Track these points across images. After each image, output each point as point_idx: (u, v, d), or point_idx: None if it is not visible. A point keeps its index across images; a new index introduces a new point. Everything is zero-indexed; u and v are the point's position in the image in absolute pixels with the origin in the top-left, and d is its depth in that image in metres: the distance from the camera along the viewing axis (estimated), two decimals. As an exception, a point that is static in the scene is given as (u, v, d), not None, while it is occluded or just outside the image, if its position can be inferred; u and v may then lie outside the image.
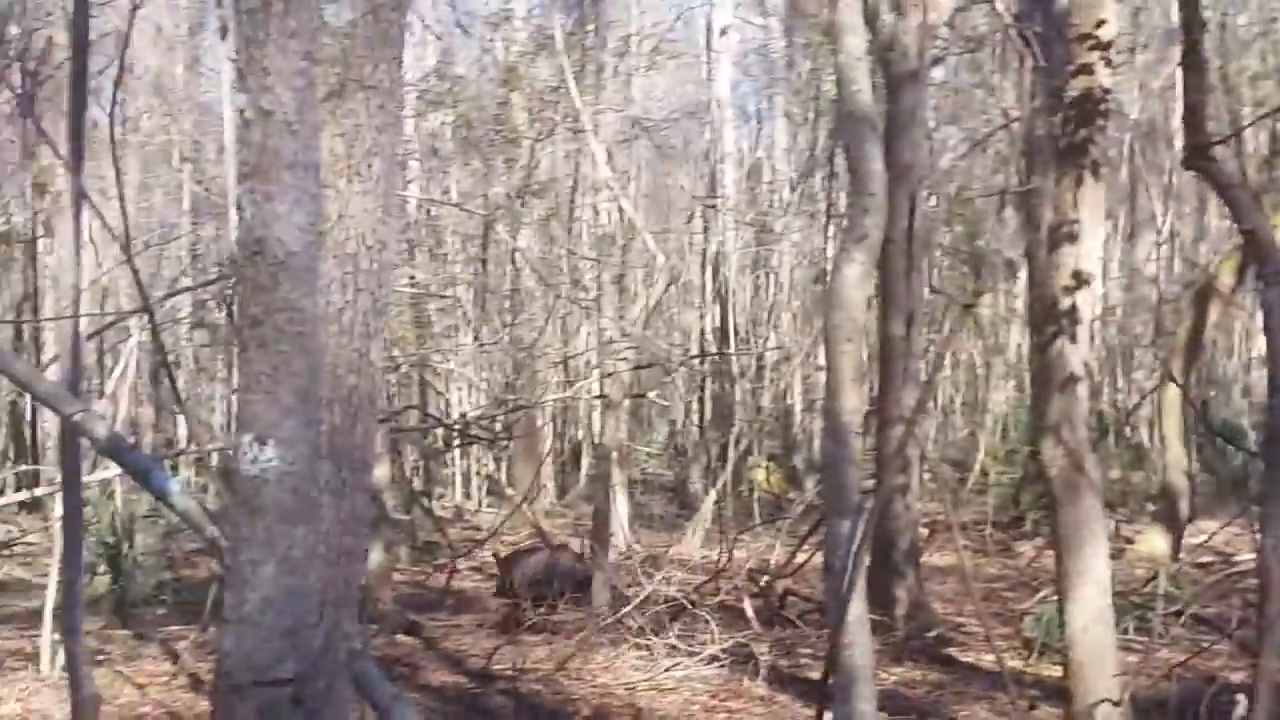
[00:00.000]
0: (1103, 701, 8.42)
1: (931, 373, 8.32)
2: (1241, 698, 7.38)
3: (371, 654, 8.98)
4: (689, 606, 12.63)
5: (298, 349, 3.01)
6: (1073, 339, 8.48)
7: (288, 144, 3.05)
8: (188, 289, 19.39)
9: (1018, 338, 27.94)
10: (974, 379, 31.12)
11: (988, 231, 24.63)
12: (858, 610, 6.66)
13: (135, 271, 4.51)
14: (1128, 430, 26.28)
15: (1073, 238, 8.37)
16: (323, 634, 3.28)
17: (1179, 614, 12.05)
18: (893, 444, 11.56)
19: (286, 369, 2.99)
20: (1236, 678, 10.41)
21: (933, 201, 22.48)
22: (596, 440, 22.95)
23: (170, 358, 24.47)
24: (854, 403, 6.91)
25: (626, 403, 20.18)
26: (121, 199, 4.17)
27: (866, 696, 6.61)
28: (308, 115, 3.07)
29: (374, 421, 3.77)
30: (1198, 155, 7.10)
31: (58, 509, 21.44)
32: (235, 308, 3.17)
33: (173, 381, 3.97)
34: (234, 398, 21.22)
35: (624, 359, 14.84)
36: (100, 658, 12.43)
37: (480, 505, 23.58)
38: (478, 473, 24.65)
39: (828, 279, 19.43)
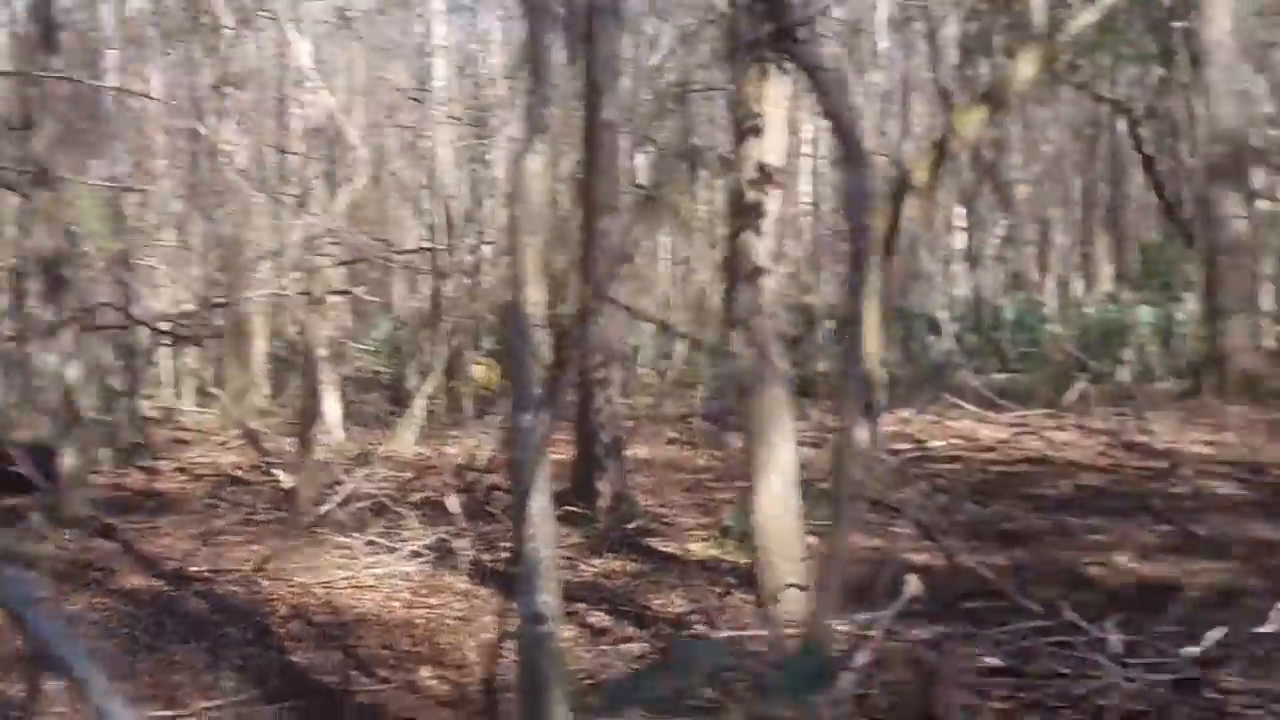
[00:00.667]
0: (789, 586, 8.66)
1: (611, 263, 8.40)
2: (912, 576, 7.65)
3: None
4: (390, 504, 12.58)
5: None
6: (758, 232, 8.61)
7: None
8: None
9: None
10: (689, 274, 31.54)
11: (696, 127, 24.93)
12: (541, 502, 6.66)
13: None
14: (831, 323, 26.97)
15: (758, 131, 8.47)
16: None
17: (873, 501, 12.48)
18: (591, 338, 11.65)
19: None
20: (920, 560, 10.84)
21: (646, 96, 22.65)
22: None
23: None
24: (536, 295, 6.88)
25: (338, 299, 19.94)
26: None
27: (550, 588, 6.61)
28: None
29: None
30: (782, 36, 7.19)
31: None
32: None
33: None
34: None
35: (327, 255, 14.57)
36: None
37: (191, 406, 23.07)
38: (187, 372, 24.10)
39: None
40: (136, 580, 11.00)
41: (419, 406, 19.07)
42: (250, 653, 8.98)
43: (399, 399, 23.82)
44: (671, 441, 17.91)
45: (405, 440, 18.25)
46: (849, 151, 6.41)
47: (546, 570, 6.70)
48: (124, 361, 20.19)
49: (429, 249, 23.66)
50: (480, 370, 24.50)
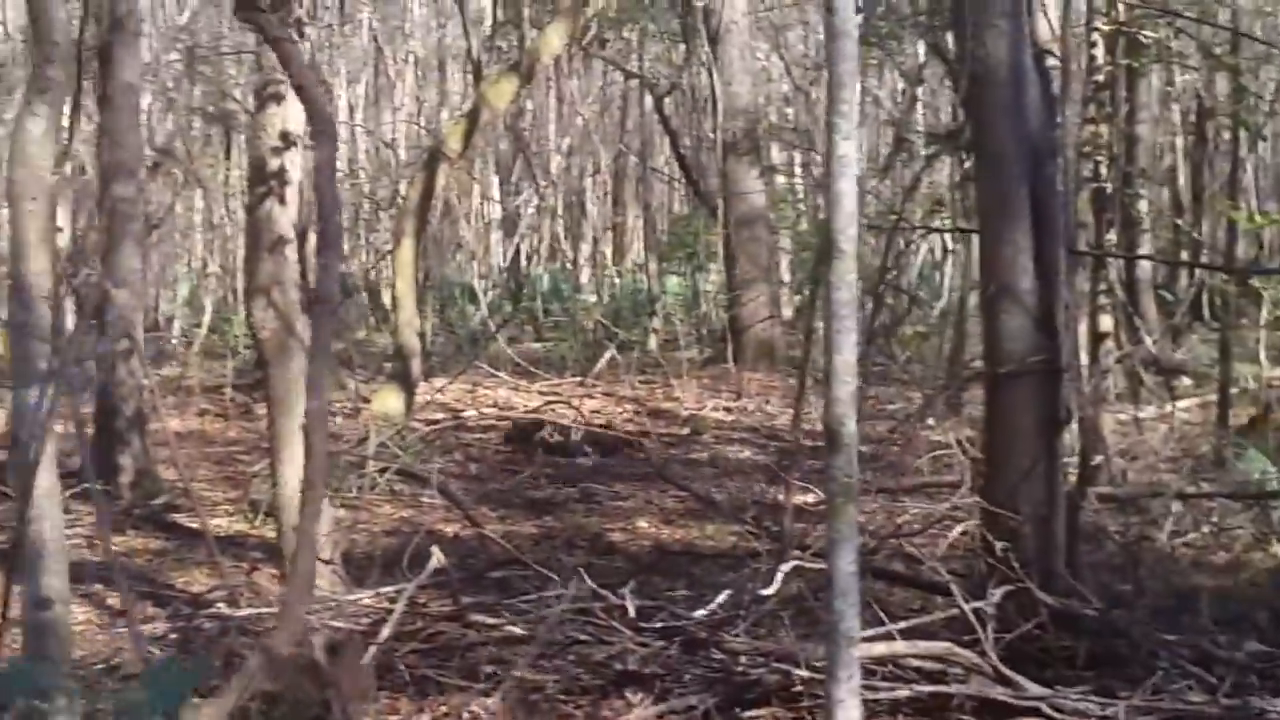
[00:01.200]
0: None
1: (125, 229, 8.11)
2: (435, 548, 7.69)
3: None
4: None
5: None
6: (282, 201, 8.47)
7: None
8: None
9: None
10: (225, 242, 30.76)
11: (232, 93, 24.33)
12: (47, 482, 6.37)
13: None
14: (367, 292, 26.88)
15: (278, 98, 8.33)
16: None
17: (403, 472, 12.48)
18: (114, 311, 11.23)
19: None
20: (450, 530, 10.92)
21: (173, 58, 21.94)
22: None
23: None
24: (40, 265, 6.56)
25: None
26: None
27: (56, 571, 6.35)
28: None
29: None
30: (247, 5, 7.17)
31: None
32: None
33: None
34: None
35: None
36: None
37: None
38: None
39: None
40: None
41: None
42: None
43: None
44: (203, 413, 17.43)
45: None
46: (317, 125, 6.38)
47: (53, 552, 6.43)
48: None
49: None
50: (-2, 341, 23.21)
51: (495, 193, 31.58)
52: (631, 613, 6.95)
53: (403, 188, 22.96)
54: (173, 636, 8.06)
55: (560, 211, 31.10)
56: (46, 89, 6.65)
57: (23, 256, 6.60)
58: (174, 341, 24.44)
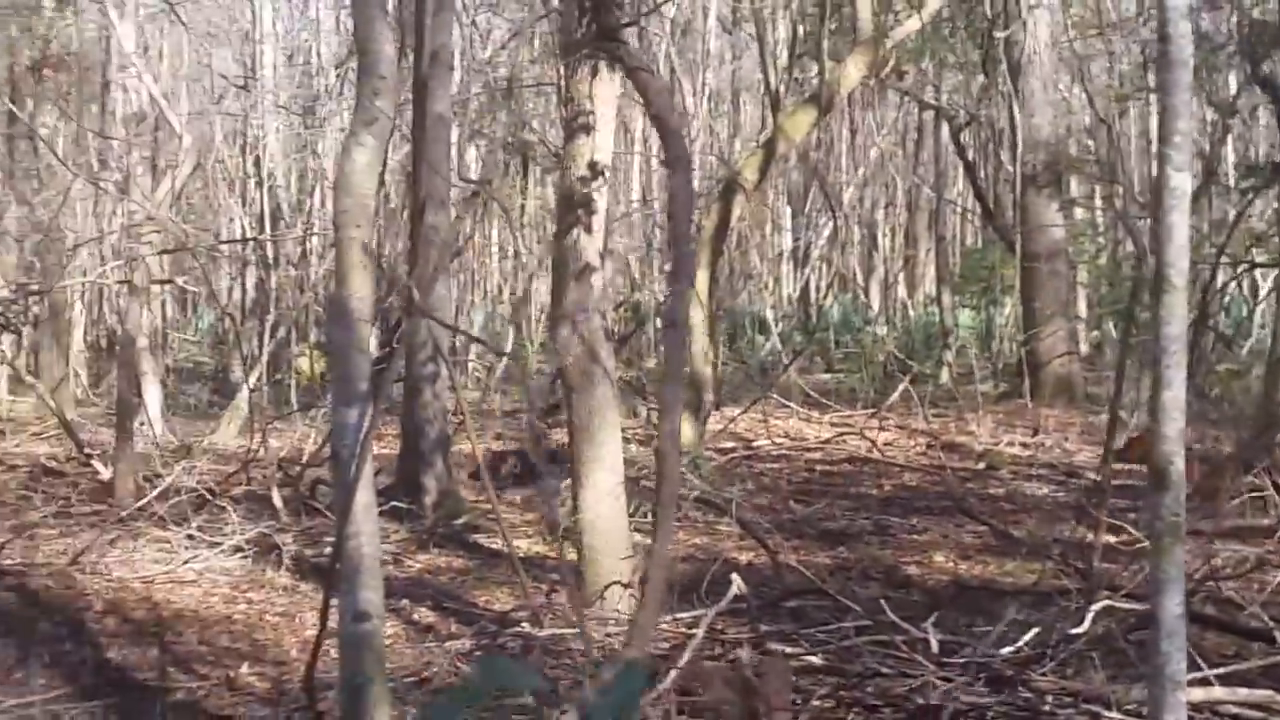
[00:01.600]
0: (613, 583, 8.69)
1: (440, 258, 8.35)
2: (735, 576, 7.71)
3: None
4: (210, 497, 12.38)
5: None
6: (588, 230, 8.62)
7: None
8: None
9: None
10: (521, 269, 31.48)
11: (531, 123, 24.89)
12: (365, 498, 6.60)
13: None
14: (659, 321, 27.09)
15: (588, 129, 8.48)
16: None
17: (700, 500, 12.58)
18: (424, 331, 11.58)
19: None
20: (744, 558, 10.95)
21: (478, 90, 22.57)
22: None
23: None
24: (362, 289, 6.80)
25: (157, 288, 19.55)
26: None
27: (373, 585, 6.56)
28: None
29: None
30: (605, 36, 7.25)
31: None
32: None
33: None
34: None
35: (149, 243, 14.28)
36: None
37: (4, 394, 22.42)
38: (3, 361, 23.44)
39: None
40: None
41: (243, 398, 18.78)
42: (63, 649, 8.78)
43: (223, 390, 23.46)
44: (498, 437, 17.85)
45: (229, 432, 17.98)
46: (673, 154, 6.46)
47: (369, 567, 6.64)
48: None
49: (255, 239, 23.30)
50: (304, 363, 24.23)
51: (787, 223, 31.66)
52: (934, 647, 6.87)
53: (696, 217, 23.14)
54: (477, 653, 8.24)
55: (852, 243, 30.99)
56: (373, 120, 6.92)
57: (346, 280, 6.87)
58: (471, 367, 25.11)
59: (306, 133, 27.10)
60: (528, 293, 27.95)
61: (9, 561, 10.98)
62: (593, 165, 8.51)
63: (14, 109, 18.40)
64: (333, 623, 6.74)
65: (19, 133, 21.55)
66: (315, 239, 25.39)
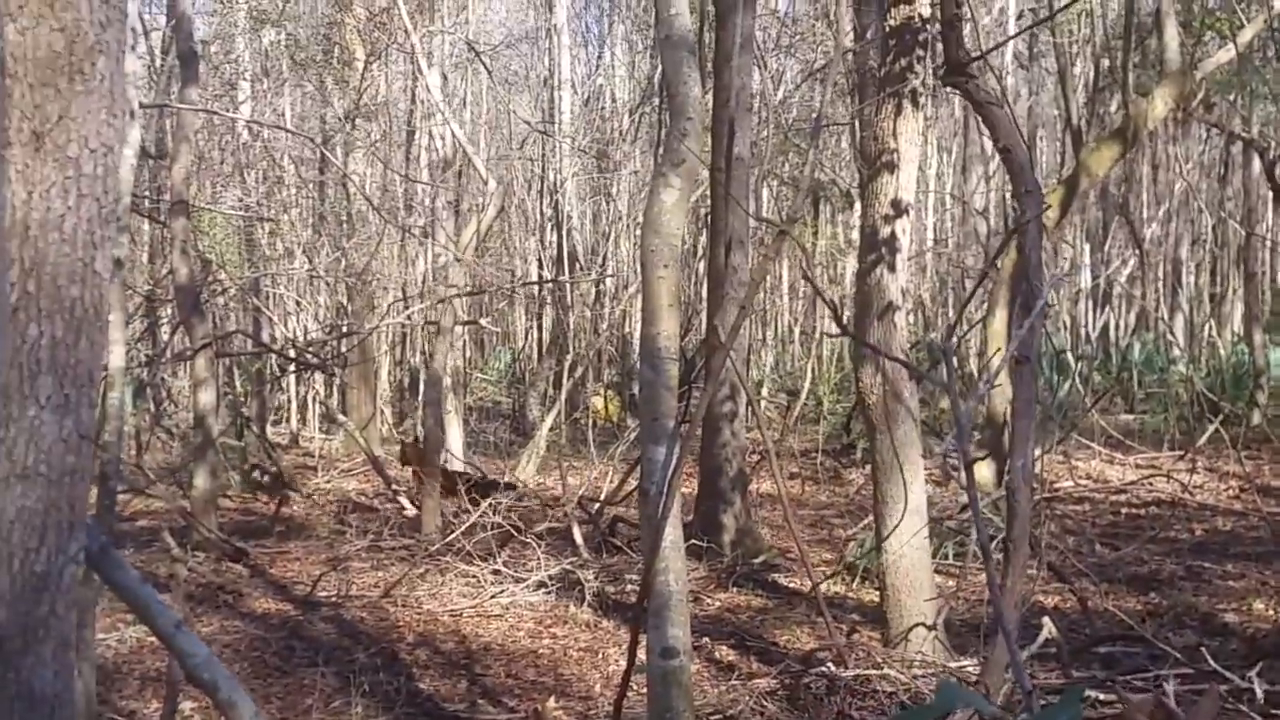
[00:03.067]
0: (917, 625, 8.57)
1: (747, 298, 8.30)
2: (1047, 620, 7.53)
3: (155, 581, 8.86)
4: (516, 534, 12.64)
5: None
6: (891, 268, 8.56)
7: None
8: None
9: (854, 267, 28.28)
10: (811, 308, 31.46)
11: (823, 162, 24.84)
12: (672, 535, 6.65)
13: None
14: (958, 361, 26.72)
15: (891, 167, 8.44)
16: (44, 558, 3.16)
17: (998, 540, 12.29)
18: (720, 370, 11.62)
19: None
20: (1050, 601, 10.68)
21: (769, 131, 22.64)
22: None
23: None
24: (670, 328, 6.87)
25: (460, 329, 20.08)
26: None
27: (680, 621, 6.60)
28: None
29: (100, 335, 3.62)
30: (955, 72, 7.16)
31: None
32: None
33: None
34: None
35: (454, 285, 14.70)
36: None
37: (316, 432, 23.32)
38: (313, 399, 24.37)
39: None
40: (266, 604, 11.14)
41: (541, 436, 19.17)
42: (378, 679, 9.04)
43: (520, 429, 23.98)
44: (793, 476, 17.81)
45: (527, 470, 18.36)
46: (1023, 187, 6.37)
47: (677, 604, 6.69)
48: (253, 388, 20.50)
49: (554, 281, 23.75)
50: (599, 401, 24.59)
51: (1086, 260, 30.93)
52: (1259, 697, 6.59)
53: (990, 255, 22.77)
54: (781, 692, 8.21)
55: (1155, 280, 30.10)
56: (681, 161, 7.00)
57: (654, 320, 6.95)
58: (764, 405, 25.13)
59: (601, 176, 27.58)
60: (818, 331, 27.89)
61: (325, 593, 11.40)
62: (895, 203, 8.45)
63: (329, 155, 19.16)
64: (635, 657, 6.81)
65: (332, 179, 22.46)
66: (609, 281, 25.83)
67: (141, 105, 15.91)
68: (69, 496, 3.49)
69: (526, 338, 29.86)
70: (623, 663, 9.39)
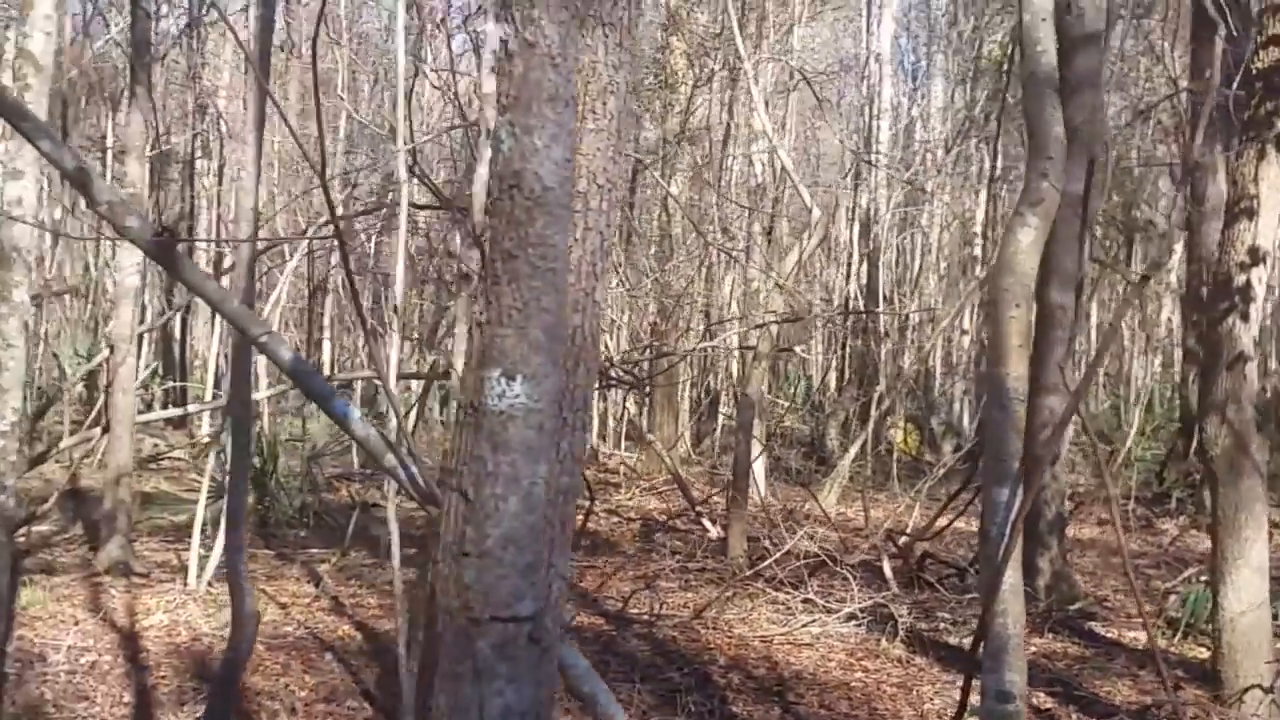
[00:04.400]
0: (1253, 687, 8.30)
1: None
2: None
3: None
4: (830, 564, 12.61)
5: (549, 285, 3.00)
6: (1244, 317, 8.31)
7: (549, 77, 3.04)
8: (356, 214, 19.57)
9: (1168, 312, 27.44)
10: (1120, 351, 30.60)
11: (1142, 202, 24.21)
12: (1012, 578, 6.57)
13: (328, 192, 4.53)
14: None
15: (1250, 214, 8.19)
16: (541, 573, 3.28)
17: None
18: (1045, 413, 11.40)
19: (536, 305, 2.98)
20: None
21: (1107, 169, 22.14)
22: (735, 391, 22.95)
23: (315, 285, 24.82)
24: (1019, 369, 6.80)
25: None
26: (320, 120, 4.17)
27: (1017, 666, 6.52)
28: (569, 49, 3.06)
29: (596, 361, 3.75)
30: None
31: (204, 426, 21.99)
32: (486, 241, 3.10)
33: (358, 304, 3.99)
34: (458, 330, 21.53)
35: (772, 312, 14.76)
36: (244, 575, 12.66)
37: (616, 448, 23.62)
38: (614, 415, 24.70)
39: (978, 243, 19.20)
40: (580, 618, 11.33)
41: (845, 466, 19.09)
42: (693, 700, 9.13)
43: (820, 457, 23.90)
44: (1103, 523, 17.37)
45: (829, 499, 18.30)
46: None
47: (1014, 648, 6.61)
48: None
49: (873, 312, 23.62)
50: (899, 434, 24.37)
51: None
52: None
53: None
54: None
55: None
56: (1039, 200, 6.92)
57: (1003, 360, 6.88)
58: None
59: (913, 208, 27.37)
60: (1127, 375, 27.20)
61: (636, 610, 11.55)
62: (1253, 250, 8.20)
63: (659, 179, 19.45)
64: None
65: (641, 200, 22.76)
66: (913, 315, 25.57)
67: (474, 123, 16.42)
68: (561, 515, 3.63)
69: (826, 368, 29.78)
70: (938, 701, 9.34)
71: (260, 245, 7.82)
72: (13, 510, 7.49)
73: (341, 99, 20.62)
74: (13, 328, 7.18)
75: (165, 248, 4.20)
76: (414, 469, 4.30)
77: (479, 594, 3.04)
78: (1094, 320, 30.86)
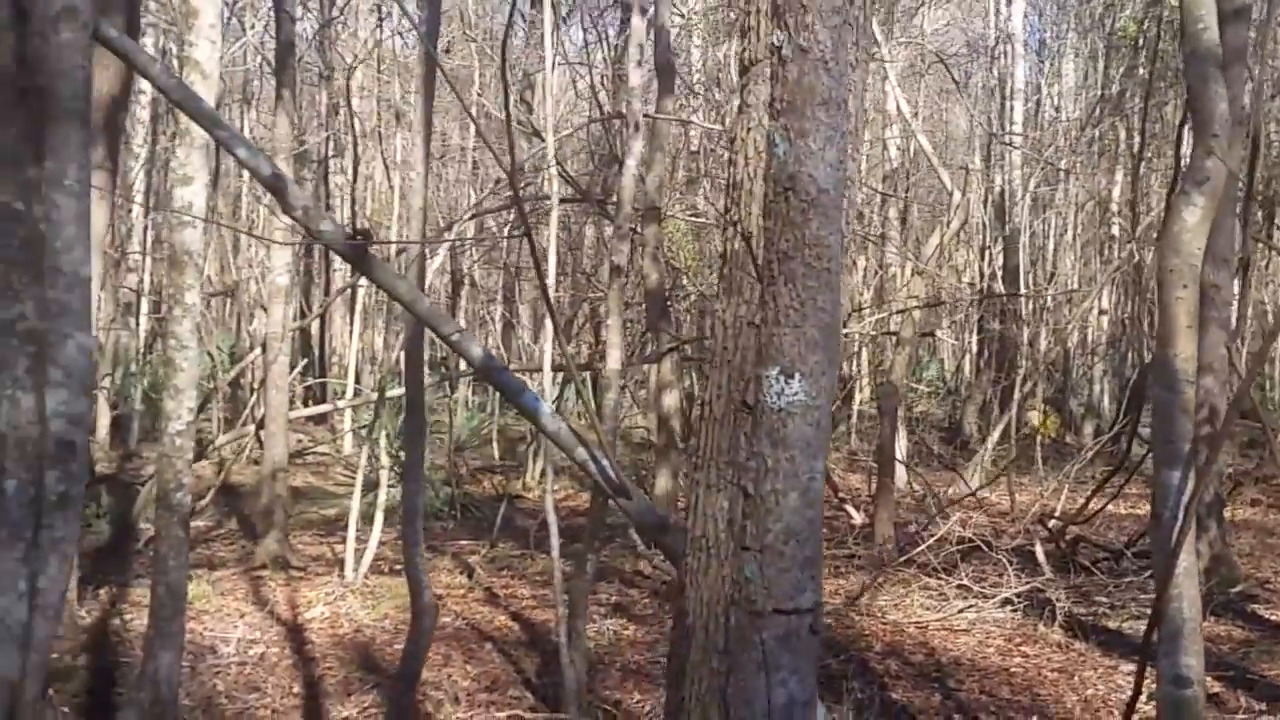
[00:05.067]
0: None
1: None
2: None
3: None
4: (985, 549, 12.53)
5: (824, 285, 3.05)
6: None
7: (822, 81, 3.07)
8: (494, 209, 19.74)
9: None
10: (1261, 331, 29.99)
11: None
12: (1186, 562, 6.49)
13: (516, 191, 4.58)
14: None
15: None
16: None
17: None
18: (1200, 393, 11.21)
19: (813, 304, 3.02)
20: None
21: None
22: (870, 377, 22.87)
23: (458, 278, 25.05)
24: (1187, 350, 6.70)
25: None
26: (509, 121, 4.23)
27: (1194, 650, 6.44)
28: (841, 52, 3.09)
29: (837, 363, 3.78)
30: None
31: (345, 422, 22.30)
32: (754, 242, 3.16)
33: (547, 298, 4.01)
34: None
35: (914, 297, 14.67)
36: (397, 566, 12.87)
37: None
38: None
39: (1115, 222, 18.90)
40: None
41: (987, 449, 18.93)
42: (850, 686, 9.12)
43: (960, 441, 23.72)
44: (1254, 503, 17.09)
45: (971, 484, 18.16)
46: None
47: (1191, 633, 6.53)
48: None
49: (1014, 294, 23.37)
50: (1037, 416, 24.10)
51: None
52: None
53: None
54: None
55: None
56: (1205, 179, 6.82)
57: (1171, 341, 6.79)
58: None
59: (1046, 188, 27.01)
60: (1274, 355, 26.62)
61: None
62: None
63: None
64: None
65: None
66: (1048, 296, 25.25)
67: (617, 115, 16.50)
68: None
69: (962, 352, 29.49)
70: (1101, 686, 9.26)
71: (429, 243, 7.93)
72: (188, 507, 7.68)
73: (479, 96, 20.77)
74: (186, 329, 7.35)
75: (358, 249, 4.29)
76: (605, 462, 4.35)
77: (761, 587, 3.09)
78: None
